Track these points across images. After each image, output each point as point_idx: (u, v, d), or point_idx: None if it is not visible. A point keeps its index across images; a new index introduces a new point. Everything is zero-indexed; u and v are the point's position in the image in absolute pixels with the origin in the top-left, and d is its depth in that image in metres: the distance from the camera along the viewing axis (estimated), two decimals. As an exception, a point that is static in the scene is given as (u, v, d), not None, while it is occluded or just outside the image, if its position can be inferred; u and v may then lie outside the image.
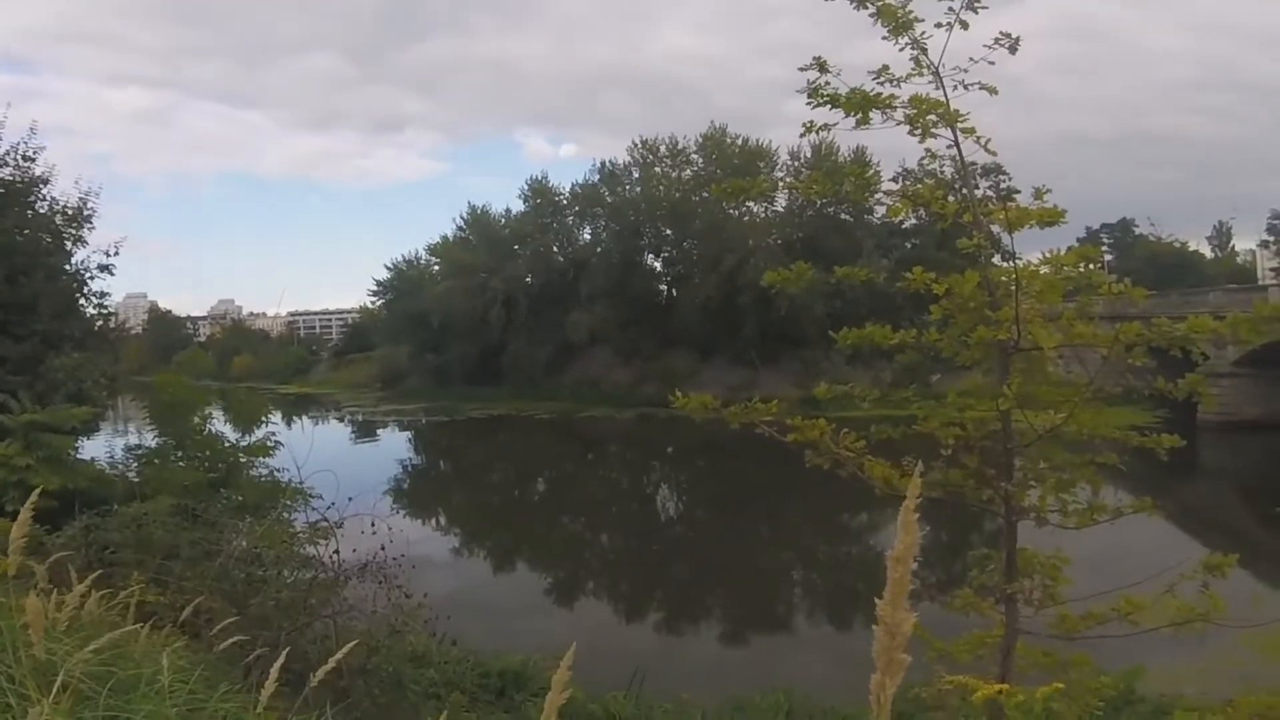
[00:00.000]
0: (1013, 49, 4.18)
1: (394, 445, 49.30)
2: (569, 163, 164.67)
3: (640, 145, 63.10)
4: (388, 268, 76.52)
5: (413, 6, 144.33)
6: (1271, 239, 63.66)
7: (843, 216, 52.31)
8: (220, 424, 14.82)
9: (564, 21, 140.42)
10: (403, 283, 74.91)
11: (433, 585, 11.68)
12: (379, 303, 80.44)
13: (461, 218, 72.12)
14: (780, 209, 54.37)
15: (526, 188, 67.83)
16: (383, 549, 7.36)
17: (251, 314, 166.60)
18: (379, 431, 56.61)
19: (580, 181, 66.55)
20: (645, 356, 58.36)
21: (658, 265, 65.52)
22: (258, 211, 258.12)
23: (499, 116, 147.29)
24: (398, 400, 66.25)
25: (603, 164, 65.52)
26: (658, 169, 62.18)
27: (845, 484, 4.46)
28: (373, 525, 7.65)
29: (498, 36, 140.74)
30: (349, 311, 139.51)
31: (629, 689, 10.34)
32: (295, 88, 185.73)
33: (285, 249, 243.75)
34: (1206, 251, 73.79)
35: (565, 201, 67.12)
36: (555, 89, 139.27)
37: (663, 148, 62.17)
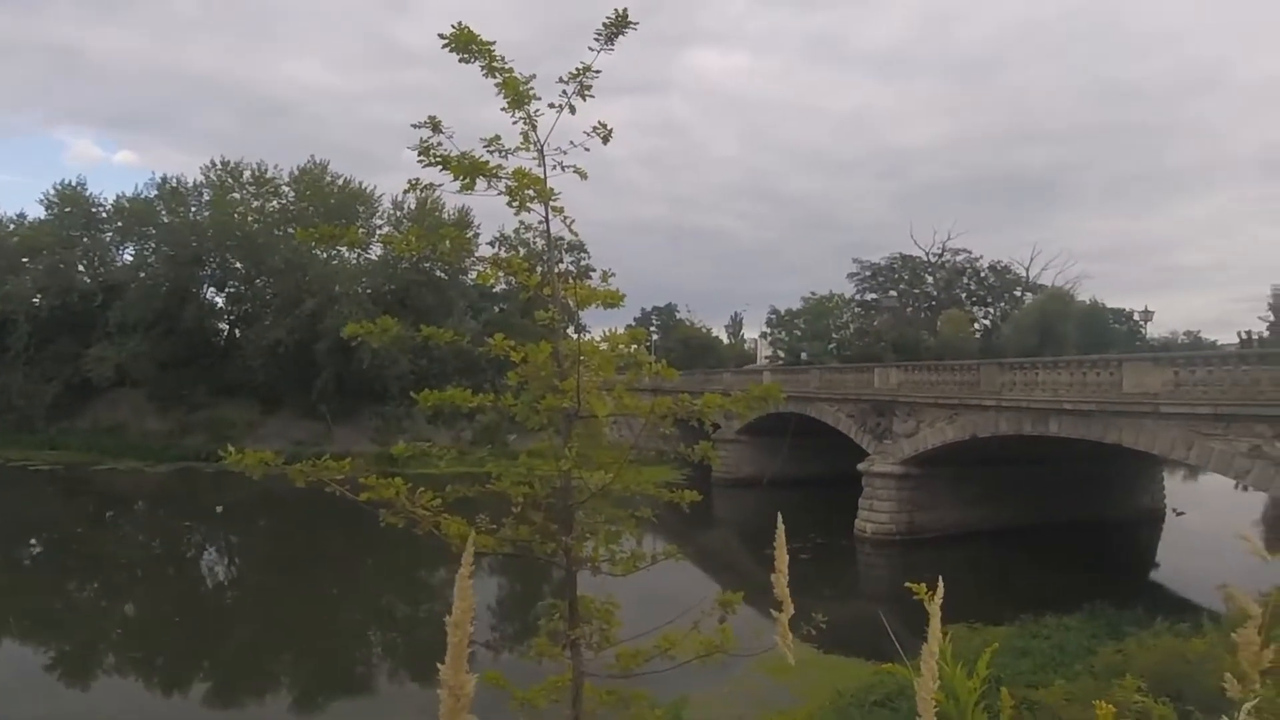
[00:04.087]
0: (605, 139, 4.60)
1: None
2: (124, 171, 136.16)
3: (219, 166, 55.71)
4: None
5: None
6: (769, 330, 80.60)
7: (438, 274, 52.39)
8: None
9: (169, 22, 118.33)
10: None
11: None
12: None
13: (-49, 218, 56.22)
14: (374, 257, 52.44)
15: (53, 192, 55.75)
16: None
17: None
18: None
19: (131, 194, 56.58)
20: (192, 404, 50.98)
21: (220, 301, 58.02)
22: None
23: (46, 110, 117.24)
24: None
25: (164, 179, 56.91)
26: (237, 195, 55.32)
27: (422, 541, 4.46)
28: None
29: (78, 25, 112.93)
30: None
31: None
32: None
33: None
34: (725, 337, 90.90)
35: (105, 214, 56.54)
36: (136, 90, 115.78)
37: (247, 173, 55.58)
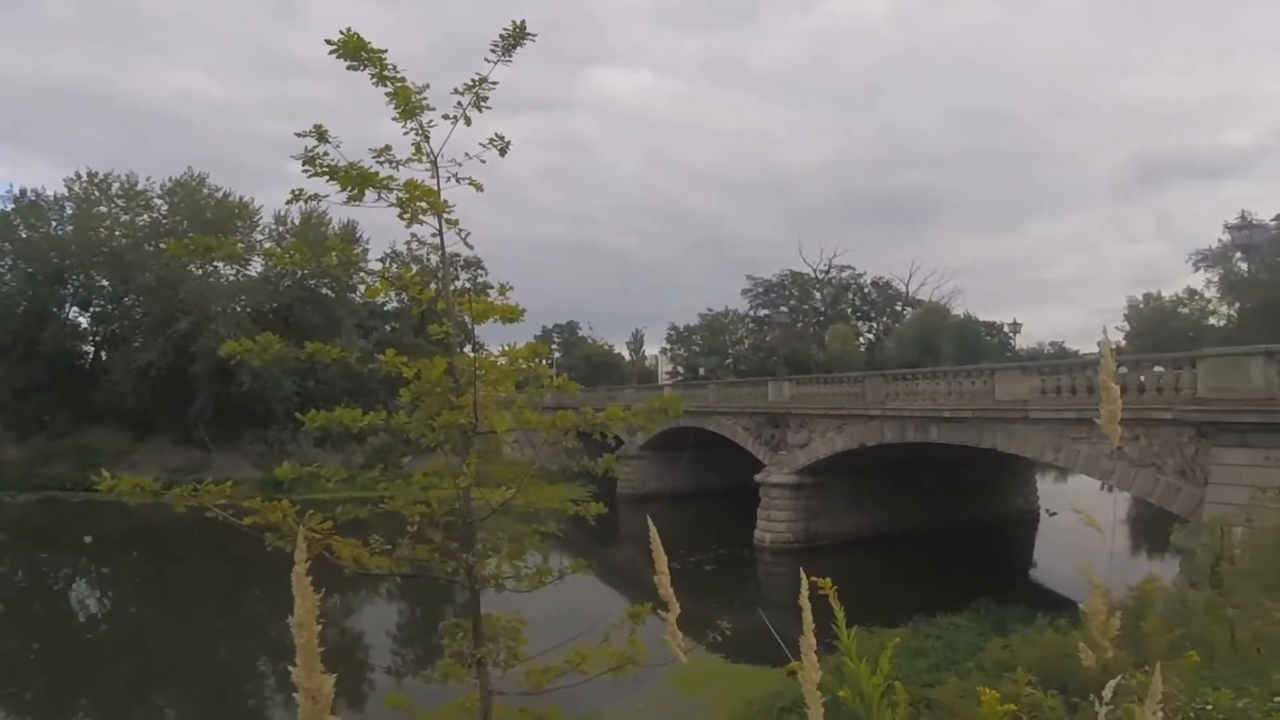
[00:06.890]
0: (503, 151, 4.54)
1: None
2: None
3: (85, 178, 51.65)
4: None
5: None
6: (668, 346, 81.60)
7: (324, 291, 50.50)
8: None
9: (39, 27, 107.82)
10: None
11: None
12: None
13: None
14: (255, 274, 49.84)
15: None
16: None
17: None
18: None
19: (-16, 208, 51.69)
20: (54, 431, 47.11)
21: (84, 321, 53.74)
22: None
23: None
24: None
25: (22, 191, 52.40)
26: (104, 208, 51.55)
27: (313, 568, 4.26)
28: None
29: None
30: None
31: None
32: None
33: None
34: (626, 354, 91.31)
35: (-47, 230, 51.59)
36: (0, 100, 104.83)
37: (116, 185, 51.77)
